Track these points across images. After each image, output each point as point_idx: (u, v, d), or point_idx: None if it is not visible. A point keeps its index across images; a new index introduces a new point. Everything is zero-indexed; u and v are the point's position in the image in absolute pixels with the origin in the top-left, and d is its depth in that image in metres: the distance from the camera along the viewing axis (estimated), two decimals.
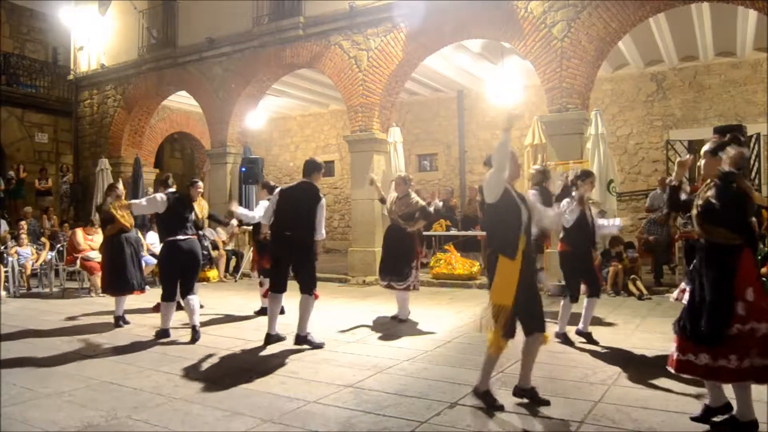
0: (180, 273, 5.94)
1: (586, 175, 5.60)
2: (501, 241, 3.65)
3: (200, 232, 8.40)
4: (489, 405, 3.63)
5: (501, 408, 3.61)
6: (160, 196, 6.06)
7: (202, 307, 7.40)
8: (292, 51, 11.94)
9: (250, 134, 14.18)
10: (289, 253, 5.58)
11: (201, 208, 8.44)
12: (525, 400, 3.73)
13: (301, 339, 5.49)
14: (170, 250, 5.94)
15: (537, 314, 3.70)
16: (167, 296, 5.97)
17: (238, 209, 6.78)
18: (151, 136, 15.79)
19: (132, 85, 14.67)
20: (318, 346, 5.44)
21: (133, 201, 5.92)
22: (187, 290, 5.93)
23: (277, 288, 5.63)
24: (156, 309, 6.06)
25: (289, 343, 5.49)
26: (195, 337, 5.75)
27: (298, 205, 5.58)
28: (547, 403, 3.67)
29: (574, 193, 5.55)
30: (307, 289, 5.57)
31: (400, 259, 6.73)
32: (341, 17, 11.19)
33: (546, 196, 6.30)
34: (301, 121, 17.99)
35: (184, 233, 5.95)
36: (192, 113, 16.37)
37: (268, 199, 6.79)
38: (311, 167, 5.75)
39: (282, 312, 6.22)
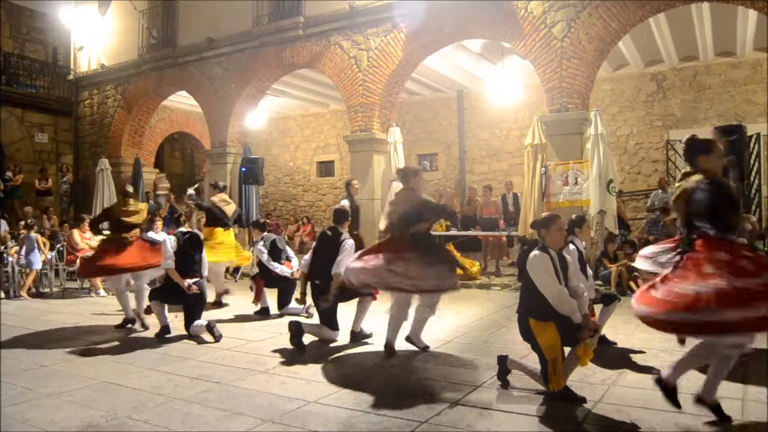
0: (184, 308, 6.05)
1: (582, 221, 5.19)
2: (534, 306, 3.79)
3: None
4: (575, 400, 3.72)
5: (584, 400, 3.69)
6: (171, 240, 6.03)
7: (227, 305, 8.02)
8: (292, 51, 11.94)
9: (250, 134, 14.18)
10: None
11: (229, 209, 8.69)
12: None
13: (356, 335, 5.67)
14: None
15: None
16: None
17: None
18: (151, 136, 15.80)
19: (132, 85, 14.67)
20: (369, 335, 5.72)
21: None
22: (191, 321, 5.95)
23: (335, 326, 5.61)
24: (148, 311, 6.11)
25: (285, 342, 5.45)
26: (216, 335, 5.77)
27: (324, 252, 5.63)
28: (583, 400, 3.70)
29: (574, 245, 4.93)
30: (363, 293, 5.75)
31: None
32: (341, 17, 11.19)
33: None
34: (301, 121, 17.99)
35: (192, 276, 5.98)
36: (192, 113, 16.38)
37: (262, 239, 7.24)
38: (338, 216, 5.80)
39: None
